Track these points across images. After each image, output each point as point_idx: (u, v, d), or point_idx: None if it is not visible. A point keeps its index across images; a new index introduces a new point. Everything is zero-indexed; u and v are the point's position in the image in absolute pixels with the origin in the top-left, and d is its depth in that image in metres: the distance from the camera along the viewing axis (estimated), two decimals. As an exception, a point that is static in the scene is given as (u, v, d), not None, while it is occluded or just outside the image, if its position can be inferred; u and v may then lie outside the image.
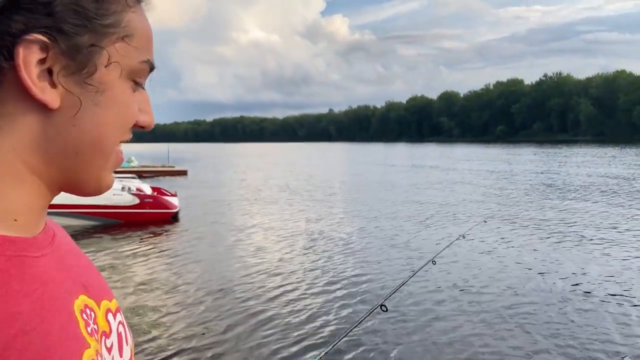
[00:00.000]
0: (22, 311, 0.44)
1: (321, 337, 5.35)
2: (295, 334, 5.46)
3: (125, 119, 0.52)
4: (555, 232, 10.81)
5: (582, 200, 15.86)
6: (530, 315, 5.93)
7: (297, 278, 7.60)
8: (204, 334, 5.49)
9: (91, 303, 0.55)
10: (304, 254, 9.22)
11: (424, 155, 53.54)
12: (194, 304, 6.46)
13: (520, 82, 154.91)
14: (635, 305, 6.19)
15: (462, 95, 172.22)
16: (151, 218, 12.38)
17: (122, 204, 12.22)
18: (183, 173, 30.64)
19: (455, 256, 8.38)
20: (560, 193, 17.84)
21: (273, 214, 14.24)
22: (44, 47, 0.47)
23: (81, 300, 0.53)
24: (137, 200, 12.43)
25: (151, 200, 12.74)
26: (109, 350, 0.55)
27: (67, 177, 0.52)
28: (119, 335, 0.59)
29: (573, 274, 7.62)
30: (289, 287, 7.10)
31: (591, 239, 10.05)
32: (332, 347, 2.09)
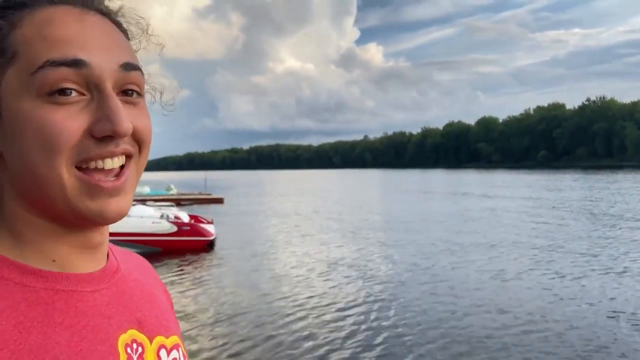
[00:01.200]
0: (60, 341, 0.47)
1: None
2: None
3: (47, 139, 0.47)
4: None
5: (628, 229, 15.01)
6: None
7: (327, 316, 7.39)
8: (237, 368, 5.35)
9: (141, 338, 0.56)
10: (338, 289, 9.01)
11: (465, 183, 52.48)
12: (228, 333, 6.35)
13: (562, 106, 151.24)
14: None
15: (501, 120, 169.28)
16: (188, 246, 12.46)
17: (160, 232, 12.37)
18: (220, 201, 31.01)
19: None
20: (602, 221, 16.99)
21: (307, 245, 14.11)
22: None
23: (129, 334, 0.54)
24: (175, 228, 12.57)
25: (188, 228, 12.86)
26: None
27: (47, 211, 0.51)
28: None
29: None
30: (318, 324, 6.91)
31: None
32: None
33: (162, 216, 13.12)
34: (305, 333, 6.35)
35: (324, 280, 9.36)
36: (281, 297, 8.14)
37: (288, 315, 7.16)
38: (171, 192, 30.85)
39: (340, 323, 6.77)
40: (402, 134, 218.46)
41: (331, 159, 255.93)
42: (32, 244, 0.51)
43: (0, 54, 0.49)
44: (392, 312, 7.20)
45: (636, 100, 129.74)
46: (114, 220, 0.52)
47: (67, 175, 0.49)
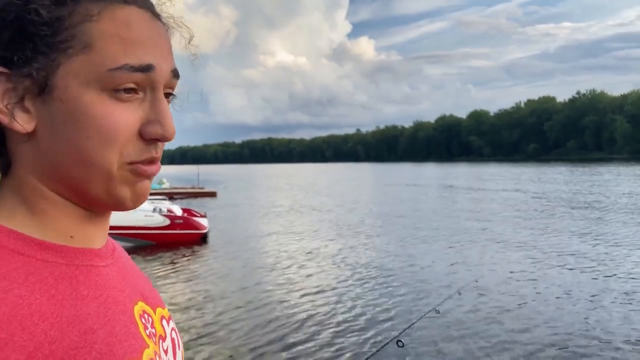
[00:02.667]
0: (90, 312, 0.49)
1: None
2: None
3: (108, 132, 0.50)
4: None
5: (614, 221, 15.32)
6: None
7: (324, 305, 7.57)
8: (231, 355, 5.50)
9: (148, 309, 0.59)
10: (331, 279, 9.19)
11: (454, 176, 52.85)
12: (221, 326, 6.49)
13: (553, 99, 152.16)
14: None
15: (492, 113, 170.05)
16: (181, 239, 12.57)
17: (153, 225, 12.46)
18: (212, 194, 31.09)
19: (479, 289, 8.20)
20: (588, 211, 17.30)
21: (299, 237, 14.27)
22: (3, 78, 0.49)
23: (140, 306, 0.58)
24: (167, 222, 12.67)
25: (181, 221, 12.97)
26: (166, 352, 0.59)
27: (79, 193, 0.53)
28: (172, 340, 0.63)
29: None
30: (313, 313, 7.08)
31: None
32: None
33: (155, 209, 13.20)
34: (298, 324, 6.51)
35: (315, 272, 9.54)
36: (274, 289, 8.31)
37: (281, 306, 7.33)
38: (164, 185, 30.87)
39: (331, 311, 6.95)
40: (395, 127, 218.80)
41: (324, 153, 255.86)
42: (51, 220, 0.53)
43: (68, 39, 0.49)
44: (378, 301, 7.39)
45: (626, 93, 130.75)
46: (142, 203, 0.55)
47: (117, 168, 0.51)
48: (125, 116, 0.50)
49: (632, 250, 10.70)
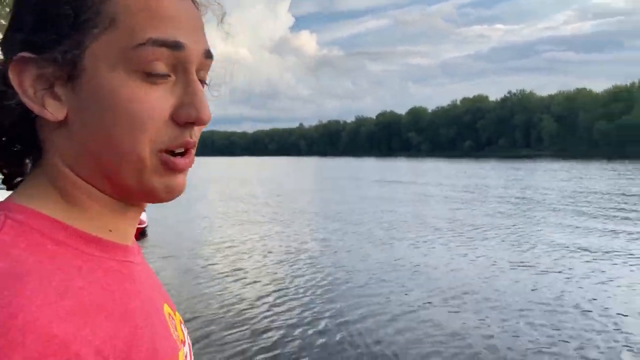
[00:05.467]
0: (135, 309, 0.48)
1: None
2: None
3: (137, 117, 0.47)
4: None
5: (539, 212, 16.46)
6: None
7: (263, 300, 7.69)
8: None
9: (171, 312, 0.58)
10: (272, 273, 9.32)
11: (391, 170, 54.31)
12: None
13: (485, 98, 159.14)
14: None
15: (430, 110, 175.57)
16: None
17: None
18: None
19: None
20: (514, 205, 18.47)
21: (241, 229, 14.27)
22: (31, 65, 0.47)
23: (165, 307, 0.57)
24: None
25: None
26: (185, 357, 0.57)
27: (112, 184, 0.50)
28: (189, 345, 0.61)
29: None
30: (253, 311, 7.19)
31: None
32: None
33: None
34: (242, 317, 6.58)
35: (258, 264, 9.62)
36: (215, 282, 8.32)
37: (224, 299, 7.38)
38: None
39: (273, 302, 7.09)
40: (337, 122, 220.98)
41: (267, 146, 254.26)
42: (89, 212, 0.50)
43: (92, 18, 0.47)
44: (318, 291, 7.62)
45: (553, 93, 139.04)
46: (178, 196, 0.53)
47: (149, 155, 0.49)
48: (155, 99, 0.48)
49: (541, 230, 11.59)
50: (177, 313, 0.61)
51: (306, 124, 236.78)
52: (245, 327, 6.19)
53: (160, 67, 0.48)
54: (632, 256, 9.79)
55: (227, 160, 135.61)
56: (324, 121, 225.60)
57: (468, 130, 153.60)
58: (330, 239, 12.36)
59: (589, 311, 6.56)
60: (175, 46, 0.48)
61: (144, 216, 13.26)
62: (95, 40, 0.47)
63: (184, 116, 0.49)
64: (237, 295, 7.59)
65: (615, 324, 6.10)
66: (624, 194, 22.17)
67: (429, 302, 7.05)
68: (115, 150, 0.48)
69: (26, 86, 0.47)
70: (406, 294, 7.44)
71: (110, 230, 0.51)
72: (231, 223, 15.52)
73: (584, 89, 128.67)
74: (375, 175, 43.42)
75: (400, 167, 60.81)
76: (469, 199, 21.90)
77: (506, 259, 9.72)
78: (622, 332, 5.83)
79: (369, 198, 23.23)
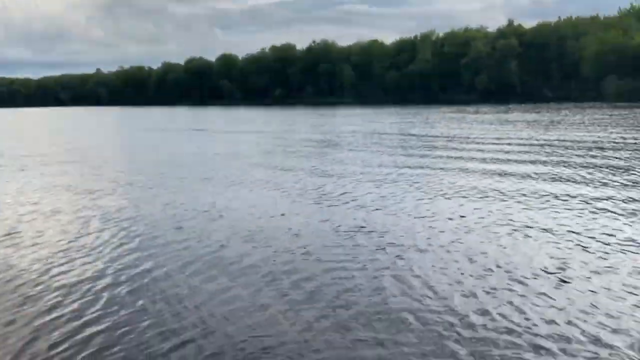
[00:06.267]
0: None
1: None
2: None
3: None
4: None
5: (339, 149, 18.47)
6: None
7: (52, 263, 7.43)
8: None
9: None
10: (74, 240, 8.92)
11: (201, 120, 53.53)
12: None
13: (293, 47, 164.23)
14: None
15: (240, 58, 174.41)
16: None
17: None
18: None
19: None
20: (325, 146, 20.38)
21: (31, 187, 12.98)
22: None
23: None
24: None
25: None
26: None
27: None
28: None
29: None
30: (28, 276, 6.94)
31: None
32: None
33: None
34: (52, 300, 5.83)
35: (62, 231, 9.07)
36: (20, 254, 7.67)
37: (25, 275, 6.91)
38: None
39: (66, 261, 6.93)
40: (141, 68, 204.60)
41: (58, 95, 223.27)
42: None
43: None
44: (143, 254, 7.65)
45: (351, 44, 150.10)
46: None
47: None
48: None
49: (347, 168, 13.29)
50: None
51: (105, 70, 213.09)
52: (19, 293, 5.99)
53: None
54: (414, 182, 12.04)
55: (8, 112, 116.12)
56: (126, 67, 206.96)
57: (278, 78, 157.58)
58: (130, 193, 12.13)
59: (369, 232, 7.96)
60: None
61: None
62: None
63: None
64: (7, 262, 7.15)
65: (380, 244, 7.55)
66: (403, 134, 26.20)
67: (226, 244, 7.66)
68: None
69: None
70: (207, 238, 7.93)
71: None
72: (27, 186, 13.90)
73: (377, 40, 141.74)
74: (190, 126, 42.38)
75: (217, 116, 60.15)
76: (279, 144, 23.22)
77: (311, 195, 10.94)
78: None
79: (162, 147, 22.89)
